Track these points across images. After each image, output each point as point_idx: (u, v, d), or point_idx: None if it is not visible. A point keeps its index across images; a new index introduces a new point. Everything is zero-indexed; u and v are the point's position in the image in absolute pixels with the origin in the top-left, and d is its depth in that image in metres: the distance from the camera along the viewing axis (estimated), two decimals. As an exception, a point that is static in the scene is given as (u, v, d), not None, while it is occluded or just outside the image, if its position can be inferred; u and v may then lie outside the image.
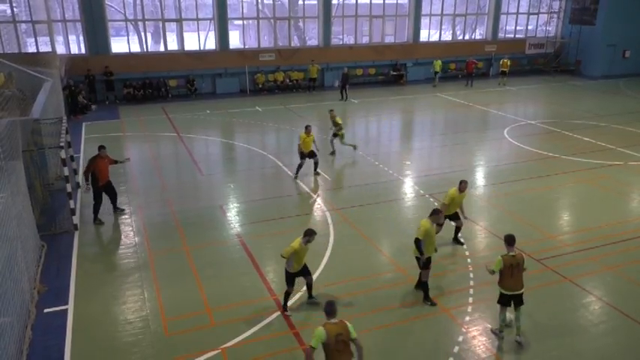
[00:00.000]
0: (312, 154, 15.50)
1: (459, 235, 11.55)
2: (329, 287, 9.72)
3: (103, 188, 12.52)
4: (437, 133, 21.46)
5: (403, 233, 12.23)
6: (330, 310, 6.47)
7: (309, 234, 8.72)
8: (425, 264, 9.04)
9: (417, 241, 8.96)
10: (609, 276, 10.22)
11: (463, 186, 10.93)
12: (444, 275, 10.16)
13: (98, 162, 12.29)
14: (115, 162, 13.00)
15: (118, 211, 13.10)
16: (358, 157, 17.60)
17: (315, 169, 15.72)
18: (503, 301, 8.16)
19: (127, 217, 13.03)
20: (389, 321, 8.71)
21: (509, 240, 8.12)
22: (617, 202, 13.86)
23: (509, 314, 8.31)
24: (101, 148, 12.51)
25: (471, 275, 10.11)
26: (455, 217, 11.26)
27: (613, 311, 9.01)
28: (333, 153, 17.71)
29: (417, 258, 9.16)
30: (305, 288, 9.35)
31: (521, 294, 8.06)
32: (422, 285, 9.24)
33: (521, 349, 8.03)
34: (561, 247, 11.30)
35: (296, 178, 15.45)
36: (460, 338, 8.28)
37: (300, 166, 15.49)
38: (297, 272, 8.86)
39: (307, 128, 15.53)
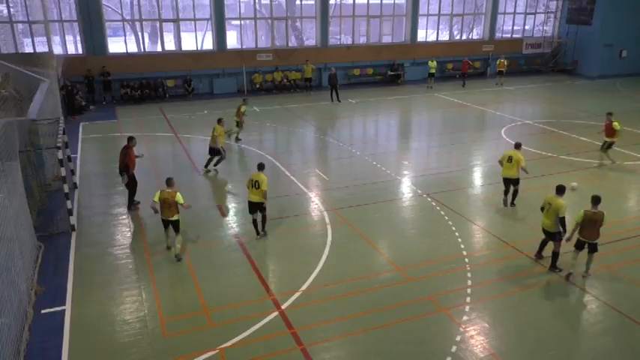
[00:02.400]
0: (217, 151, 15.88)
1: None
2: (327, 287, 9.73)
3: (133, 176, 13.25)
4: (434, 133, 21.48)
5: (401, 233, 12.25)
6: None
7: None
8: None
9: (563, 219, 9.88)
10: (607, 275, 10.25)
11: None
12: (443, 275, 10.17)
13: (130, 152, 13.08)
14: (136, 156, 13.52)
15: (133, 207, 13.42)
16: (356, 157, 17.61)
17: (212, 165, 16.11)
18: (579, 245, 9.85)
19: (124, 217, 13.01)
20: (387, 321, 8.72)
21: (595, 200, 9.69)
22: (614, 201, 13.88)
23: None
24: (132, 139, 13.31)
25: (469, 275, 10.13)
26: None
27: (610, 310, 9.04)
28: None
29: (553, 233, 10.10)
30: (302, 289, 9.37)
31: (596, 243, 9.75)
32: (555, 255, 10.25)
33: (578, 286, 9.06)
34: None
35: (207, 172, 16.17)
36: (458, 338, 8.29)
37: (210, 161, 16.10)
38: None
39: (220, 121, 16.02)
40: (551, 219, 10.05)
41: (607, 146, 16.54)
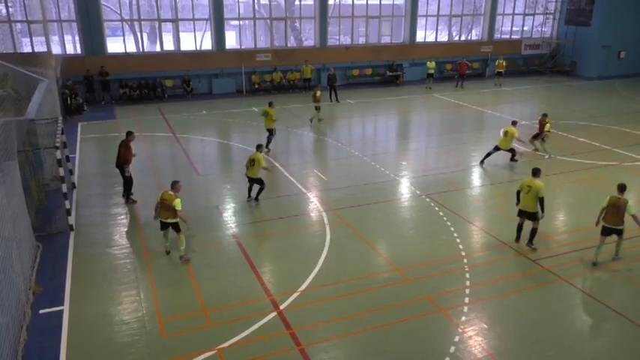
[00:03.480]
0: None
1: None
2: (325, 287, 9.73)
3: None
4: (433, 134, 21.50)
5: (400, 233, 12.25)
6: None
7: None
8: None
9: (543, 199, 10.72)
10: (605, 276, 10.26)
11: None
12: (441, 275, 10.18)
13: (129, 146, 13.46)
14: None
15: (130, 200, 13.66)
16: (355, 158, 17.61)
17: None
18: (605, 231, 10.34)
19: (122, 217, 12.99)
20: (385, 321, 8.72)
21: (621, 187, 10.27)
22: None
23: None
24: (130, 133, 13.68)
25: (468, 275, 10.13)
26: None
27: (609, 311, 9.04)
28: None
29: (534, 213, 10.90)
30: (301, 289, 9.40)
31: (621, 229, 10.24)
32: (535, 231, 11.10)
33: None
34: (557, 248, 11.34)
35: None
36: (456, 338, 8.29)
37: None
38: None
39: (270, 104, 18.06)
40: (533, 200, 10.80)
41: (534, 137, 17.94)
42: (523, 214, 11.20)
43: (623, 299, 9.41)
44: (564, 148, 18.49)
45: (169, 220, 10.51)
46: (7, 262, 8.20)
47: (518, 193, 11.20)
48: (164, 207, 10.46)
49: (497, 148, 16.55)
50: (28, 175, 12.66)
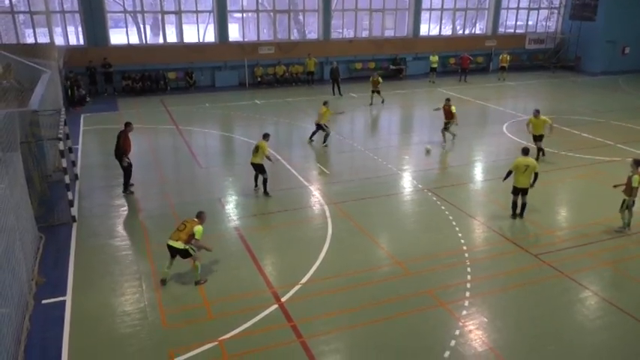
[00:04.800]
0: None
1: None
2: (327, 280, 9.75)
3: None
4: (435, 128, 21.42)
5: (401, 227, 12.27)
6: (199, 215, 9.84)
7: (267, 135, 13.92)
8: None
9: (537, 174, 11.95)
10: (606, 271, 10.28)
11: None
12: (442, 270, 10.19)
13: (128, 136, 13.63)
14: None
15: (128, 191, 13.70)
16: (357, 152, 17.60)
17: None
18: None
19: (125, 209, 13.03)
20: (386, 314, 8.74)
21: (637, 162, 11.30)
22: (614, 198, 13.85)
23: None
24: (129, 124, 13.86)
25: (469, 270, 10.14)
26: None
27: (609, 307, 9.05)
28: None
29: (527, 188, 12.05)
30: (302, 282, 9.45)
31: (634, 201, 11.42)
32: (525, 205, 12.32)
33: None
34: (558, 243, 11.34)
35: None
36: (457, 332, 8.31)
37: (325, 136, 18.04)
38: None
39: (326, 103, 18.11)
40: (529, 177, 11.90)
41: (445, 127, 18.14)
42: (519, 191, 12.14)
43: (623, 296, 9.41)
44: (567, 143, 18.44)
45: (178, 245, 9.23)
46: (10, 253, 8.24)
47: (509, 172, 12.15)
48: (180, 228, 9.39)
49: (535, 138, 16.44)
50: (31, 166, 12.69)
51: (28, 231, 10.15)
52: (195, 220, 9.60)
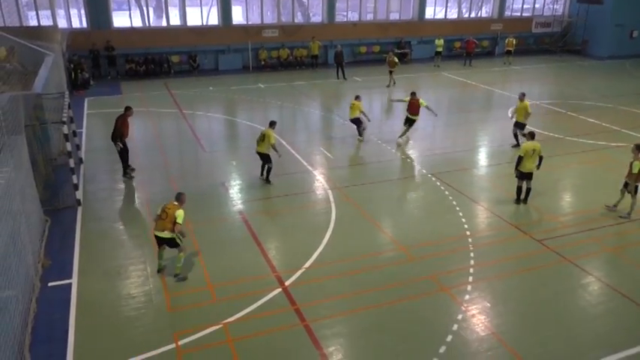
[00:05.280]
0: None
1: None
2: (330, 265, 9.80)
3: (125, 143, 13.61)
4: (440, 113, 21.30)
5: (405, 212, 12.28)
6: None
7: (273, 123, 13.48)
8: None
9: (542, 157, 11.97)
10: (610, 257, 10.28)
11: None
12: (445, 255, 10.22)
13: (126, 120, 13.61)
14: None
15: (128, 175, 13.69)
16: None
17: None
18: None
19: (129, 192, 13.07)
20: (389, 299, 8.79)
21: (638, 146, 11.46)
22: (619, 183, 13.82)
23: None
24: (129, 108, 13.82)
25: (472, 255, 10.17)
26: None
27: (612, 292, 9.07)
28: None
29: (532, 173, 12.09)
30: (306, 266, 9.51)
31: (637, 185, 11.48)
32: (530, 190, 12.34)
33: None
34: (563, 228, 11.33)
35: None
36: (460, 316, 8.36)
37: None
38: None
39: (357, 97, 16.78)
40: (535, 161, 11.94)
41: (409, 123, 16.77)
42: (525, 176, 12.11)
43: (626, 281, 9.42)
44: (573, 128, 18.32)
45: (165, 235, 9.02)
46: (17, 236, 8.30)
47: (520, 158, 11.94)
48: (162, 217, 9.03)
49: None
50: (36, 150, 12.71)
51: (33, 214, 10.21)
52: (175, 203, 9.14)
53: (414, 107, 16.54)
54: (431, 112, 16.86)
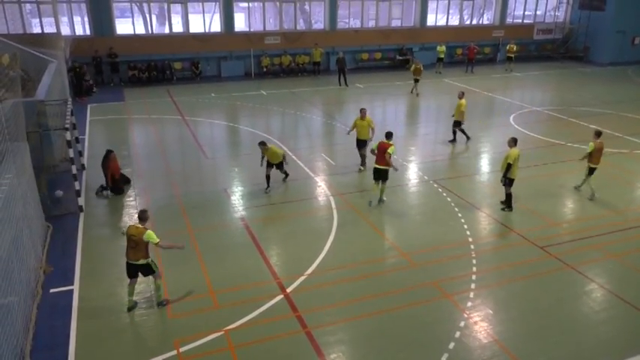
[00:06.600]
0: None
1: None
2: (332, 271, 9.78)
3: (119, 181, 13.35)
4: (442, 119, 21.34)
5: (406, 219, 12.26)
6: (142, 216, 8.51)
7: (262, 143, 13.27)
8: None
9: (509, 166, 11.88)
10: (612, 264, 10.24)
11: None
12: (447, 261, 10.19)
13: (112, 163, 13.10)
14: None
15: (100, 193, 13.28)
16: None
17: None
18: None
19: (131, 199, 13.09)
20: (391, 305, 8.77)
21: (598, 133, 12.36)
22: (621, 190, 13.81)
23: None
24: (111, 151, 13.32)
25: (474, 262, 10.14)
26: None
27: (615, 299, 9.04)
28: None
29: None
30: (308, 273, 9.51)
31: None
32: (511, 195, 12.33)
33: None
34: (565, 235, 11.31)
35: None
36: (462, 324, 8.33)
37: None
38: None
39: (362, 111, 14.87)
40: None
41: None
42: (512, 182, 12.14)
43: (629, 288, 9.38)
44: (574, 135, 18.30)
45: (140, 262, 8.31)
46: (19, 242, 8.31)
47: (509, 165, 11.87)
48: (131, 244, 8.28)
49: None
50: (38, 156, 12.74)
51: (35, 220, 10.22)
52: (139, 225, 8.28)
53: (380, 154, 12.55)
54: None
